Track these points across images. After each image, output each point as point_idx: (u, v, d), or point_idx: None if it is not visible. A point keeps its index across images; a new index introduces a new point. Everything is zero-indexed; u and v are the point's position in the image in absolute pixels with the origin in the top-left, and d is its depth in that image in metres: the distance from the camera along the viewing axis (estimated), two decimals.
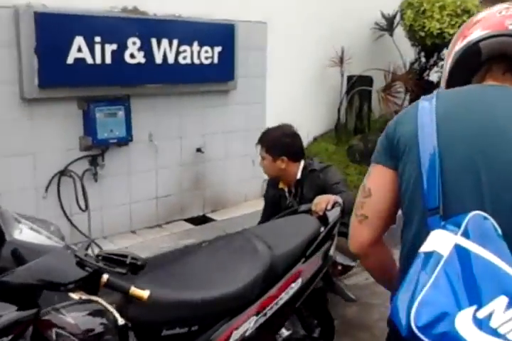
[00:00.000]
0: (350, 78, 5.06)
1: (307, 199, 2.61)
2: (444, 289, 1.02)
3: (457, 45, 1.33)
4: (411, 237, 1.25)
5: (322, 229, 2.19)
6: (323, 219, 2.27)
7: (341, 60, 4.90)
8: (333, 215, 2.29)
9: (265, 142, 2.85)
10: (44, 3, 3.16)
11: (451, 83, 1.36)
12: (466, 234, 1.06)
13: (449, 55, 1.37)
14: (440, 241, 1.08)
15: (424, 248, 1.10)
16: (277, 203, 2.97)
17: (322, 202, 2.36)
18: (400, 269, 1.30)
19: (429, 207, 1.17)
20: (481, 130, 1.19)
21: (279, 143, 2.79)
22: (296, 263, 2.01)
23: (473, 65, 1.31)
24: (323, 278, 2.21)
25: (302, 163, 2.85)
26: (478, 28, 1.29)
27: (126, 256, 1.44)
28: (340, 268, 2.53)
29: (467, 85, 1.31)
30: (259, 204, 3.14)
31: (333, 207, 2.35)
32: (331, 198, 2.38)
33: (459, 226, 1.08)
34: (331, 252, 2.21)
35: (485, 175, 1.16)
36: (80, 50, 3.20)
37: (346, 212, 2.28)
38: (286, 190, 2.94)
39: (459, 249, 1.05)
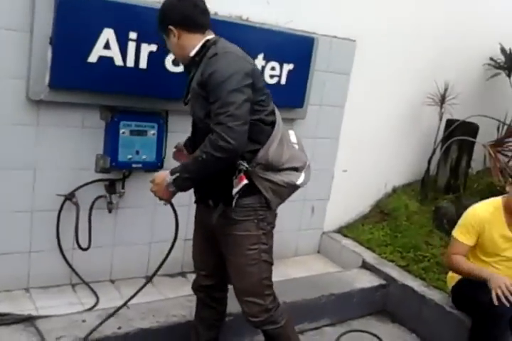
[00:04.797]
0: (450, 123, 4.41)
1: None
2: None
3: None
4: None
5: None
6: None
7: (442, 99, 4.29)
8: None
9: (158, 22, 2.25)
10: None
11: None
12: None
13: None
14: None
15: None
16: None
17: None
18: None
19: None
20: None
21: (163, 11, 2.22)
22: None
23: None
24: None
25: (205, 38, 2.21)
26: None
27: None
28: None
29: None
30: (312, 264, 2.40)
31: None
32: None
33: None
34: None
35: None
36: (107, 46, 2.62)
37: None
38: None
39: None
